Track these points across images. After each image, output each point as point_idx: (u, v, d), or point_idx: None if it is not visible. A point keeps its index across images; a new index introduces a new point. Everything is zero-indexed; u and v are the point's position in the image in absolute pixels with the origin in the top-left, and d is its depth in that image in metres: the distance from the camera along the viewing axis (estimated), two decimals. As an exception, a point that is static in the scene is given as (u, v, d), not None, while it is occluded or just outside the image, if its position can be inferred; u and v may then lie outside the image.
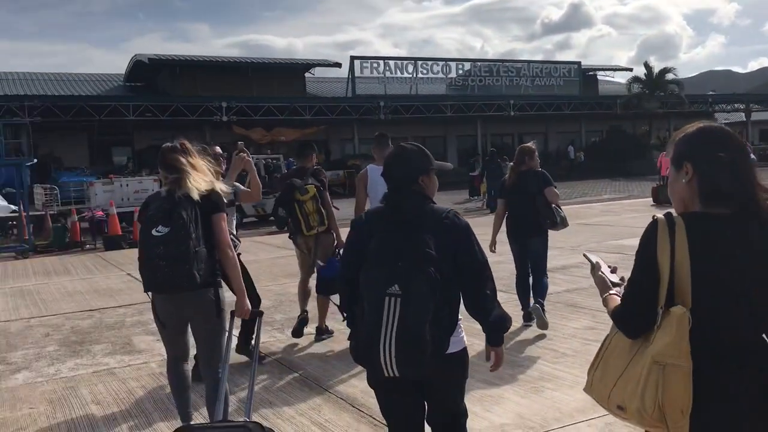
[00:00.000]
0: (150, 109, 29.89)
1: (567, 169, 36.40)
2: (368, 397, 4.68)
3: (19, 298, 9.51)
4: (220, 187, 3.81)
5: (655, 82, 39.63)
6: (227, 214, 3.88)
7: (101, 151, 32.60)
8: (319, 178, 6.28)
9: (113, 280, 10.66)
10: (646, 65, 41.02)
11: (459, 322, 2.69)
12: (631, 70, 46.64)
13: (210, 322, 3.73)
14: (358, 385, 4.92)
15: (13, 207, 18.36)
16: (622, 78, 46.74)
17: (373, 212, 2.85)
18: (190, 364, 4.09)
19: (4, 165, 19.15)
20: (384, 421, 2.90)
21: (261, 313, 3.90)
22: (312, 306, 6.41)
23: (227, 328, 3.77)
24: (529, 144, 6.59)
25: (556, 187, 6.37)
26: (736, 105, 47.14)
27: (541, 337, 6.07)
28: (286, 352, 6.04)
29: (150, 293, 3.73)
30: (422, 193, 2.72)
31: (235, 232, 5.30)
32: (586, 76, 43.58)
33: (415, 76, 37.45)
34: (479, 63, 41.07)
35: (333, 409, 4.57)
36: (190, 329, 3.85)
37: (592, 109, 40.38)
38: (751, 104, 46.45)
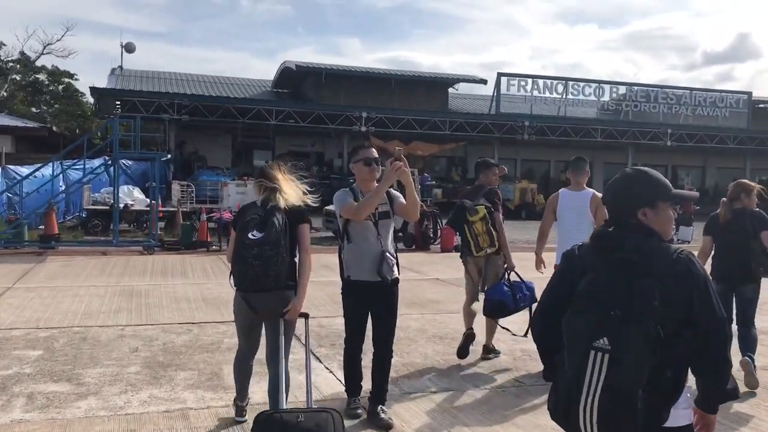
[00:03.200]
0: (292, 115, 30.02)
1: (727, 208, 32.80)
2: None
3: (125, 300, 8.95)
4: (305, 199, 4.17)
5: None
6: (310, 225, 4.17)
7: (243, 153, 33.20)
8: (492, 199, 6.06)
9: (225, 288, 9.93)
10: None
11: (687, 390, 2.23)
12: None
13: (279, 321, 4.06)
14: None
15: (149, 201, 18.61)
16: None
17: (588, 246, 2.38)
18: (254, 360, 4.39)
19: (138, 159, 19.46)
20: None
21: (307, 315, 4.15)
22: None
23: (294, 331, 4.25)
24: (745, 180, 5.89)
25: None
26: None
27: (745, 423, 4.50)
28: (400, 404, 4.78)
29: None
30: (646, 228, 2.27)
31: (390, 249, 4.49)
32: (755, 108, 39.49)
33: (564, 97, 35.37)
34: (636, 87, 38.21)
35: None
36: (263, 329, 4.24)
37: (761, 145, 36.44)
38: None
